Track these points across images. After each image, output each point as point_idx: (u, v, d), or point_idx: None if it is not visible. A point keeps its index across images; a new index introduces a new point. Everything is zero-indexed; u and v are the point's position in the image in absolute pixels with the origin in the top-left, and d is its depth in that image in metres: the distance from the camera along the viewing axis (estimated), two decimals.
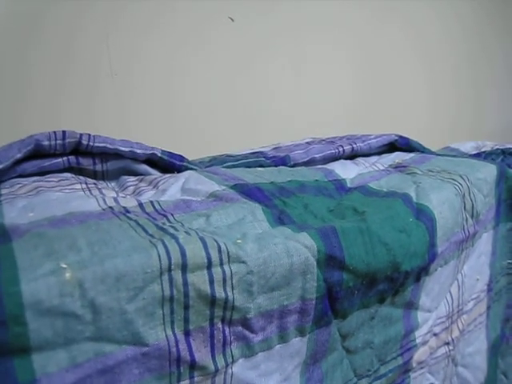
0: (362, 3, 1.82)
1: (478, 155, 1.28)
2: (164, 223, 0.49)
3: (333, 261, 0.51)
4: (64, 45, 1.31)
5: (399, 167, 0.91)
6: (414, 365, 0.75)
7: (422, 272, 0.68)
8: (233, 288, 0.43)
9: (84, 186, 0.64)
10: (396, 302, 0.67)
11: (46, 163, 0.67)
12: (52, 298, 0.34)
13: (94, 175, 0.74)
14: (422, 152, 1.06)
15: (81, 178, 0.70)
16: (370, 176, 0.84)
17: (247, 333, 0.46)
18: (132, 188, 0.70)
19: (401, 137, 1.03)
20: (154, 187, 0.68)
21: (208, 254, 0.41)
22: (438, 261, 0.72)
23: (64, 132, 0.67)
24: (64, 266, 0.36)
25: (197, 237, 0.42)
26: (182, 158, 0.75)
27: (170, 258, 0.39)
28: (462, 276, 0.85)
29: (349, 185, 0.81)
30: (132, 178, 0.74)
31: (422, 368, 0.77)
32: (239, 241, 0.45)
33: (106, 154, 0.72)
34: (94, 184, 0.65)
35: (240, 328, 0.45)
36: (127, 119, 1.46)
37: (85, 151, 0.70)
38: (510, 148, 1.24)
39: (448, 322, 0.82)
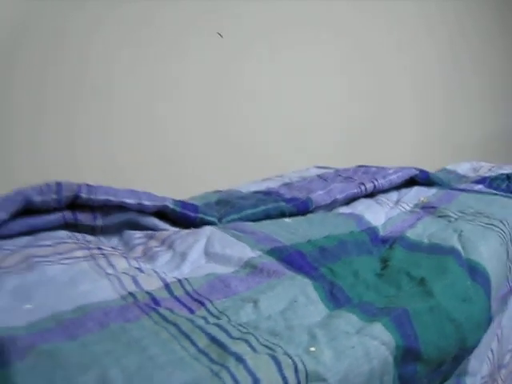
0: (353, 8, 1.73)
1: (483, 180, 1.21)
2: (205, 317, 0.38)
3: (409, 354, 0.42)
4: None
5: (427, 208, 0.83)
6: None
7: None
8: None
9: (86, 252, 0.52)
10: (453, 374, 0.58)
11: (38, 221, 0.55)
12: None
13: (92, 230, 0.62)
14: (440, 185, 0.99)
15: (78, 237, 0.58)
16: (401, 221, 0.76)
17: None
18: (141, 248, 0.59)
19: (421, 171, 0.95)
20: (168, 248, 0.57)
21: (285, 378, 0.31)
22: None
23: (59, 184, 0.55)
24: None
25: (265, 352, 0.32)
26: (196, 208, 0.65)
27: None
28: (500, 328, 0.77)
29: (381, 233, 0.72)
30: (138, 234, 0.62)
31: None
32: (312, 348, 0.35)
33: (108, 207, 0.61)
34: (99, 249, 0.53)
35: None
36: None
37: (84, 205, 0.58)
38: None
39: (490, 381, 0.74)
